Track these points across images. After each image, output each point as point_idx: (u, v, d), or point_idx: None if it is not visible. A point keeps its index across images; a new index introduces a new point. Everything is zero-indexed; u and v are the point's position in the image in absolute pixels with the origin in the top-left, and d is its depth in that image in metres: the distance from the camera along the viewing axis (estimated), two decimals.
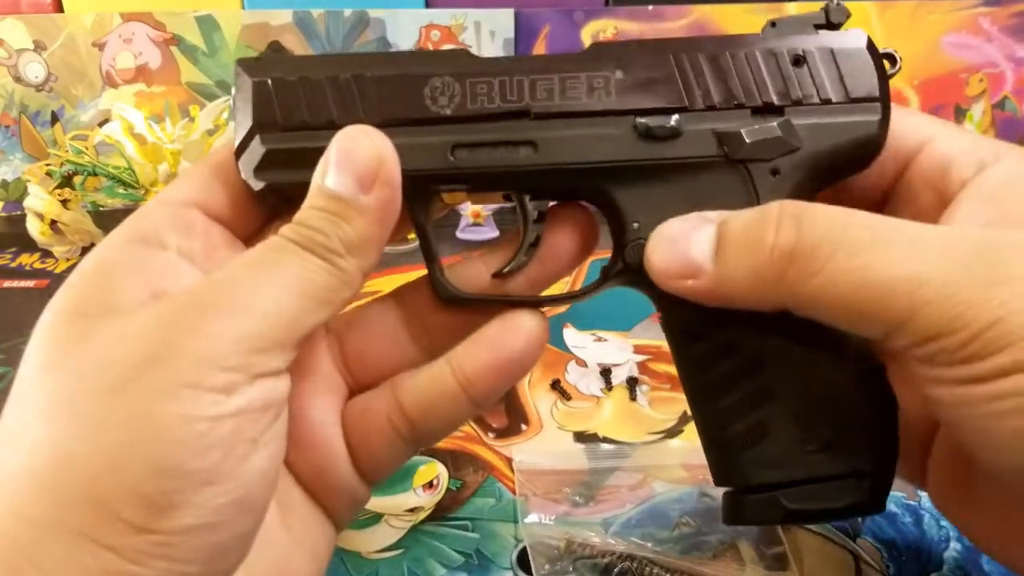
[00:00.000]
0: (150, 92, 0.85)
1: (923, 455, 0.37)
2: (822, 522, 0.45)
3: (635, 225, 0.35)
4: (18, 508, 0.26)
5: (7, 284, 0.74)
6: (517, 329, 0.35)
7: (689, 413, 0.56)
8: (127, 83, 0.85)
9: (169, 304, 0.29)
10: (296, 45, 0.84)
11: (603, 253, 0.37)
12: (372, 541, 0.46)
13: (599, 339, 0.65)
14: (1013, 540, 0.34)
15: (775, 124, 0.34)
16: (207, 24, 0.84)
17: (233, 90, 0.34)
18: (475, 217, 0.83)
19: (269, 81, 0.34)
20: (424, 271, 0.37)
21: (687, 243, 0.32)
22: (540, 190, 0.36)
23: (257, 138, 0.34)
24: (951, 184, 0.33)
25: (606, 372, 0.61)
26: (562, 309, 0.67)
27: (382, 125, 0.33)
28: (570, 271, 0.38)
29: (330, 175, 0.31)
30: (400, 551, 0.45)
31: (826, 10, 0.35)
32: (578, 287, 0.65)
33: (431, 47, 0.84)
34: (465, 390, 0.35)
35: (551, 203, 0.37)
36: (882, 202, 0.37)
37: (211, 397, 0.27)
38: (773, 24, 0.35)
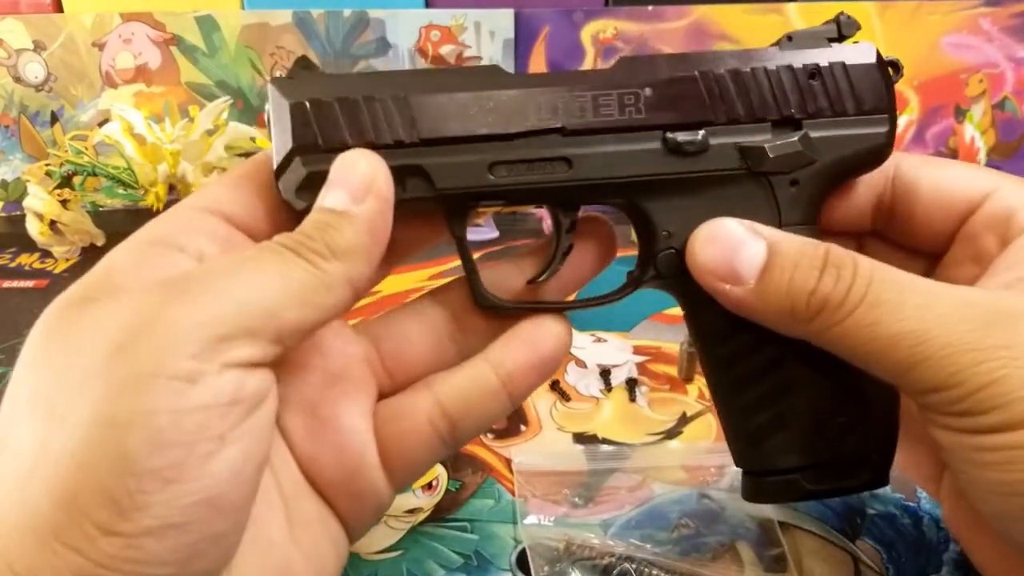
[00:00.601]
0: (150, 92, 0.85)
1: (940, 468, 0.39)
2: (835, 497, 0.47)
3: (665, 233, 0.37)
4: (3, 511, 0.26)
5: (6, 284, 0.74)
6: (548, 331, 0.37)
7: (689, 414, 0.56)
8: (127, 83, 0.85)
9: (141, 293, 0.28)
10: (296, 45, 0.84)
11: None
12: (371, 542, 0.46)
13: (599, 340, 0.65)
14: (1011, 573, 0.35)
15: (796, 139, 0.36)
16: (207, 24, 0.84)
17: (268, 108, 0.34)
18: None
19: (307, 103, 0.34)
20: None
21: (737, 252, 0.34)
22: (574, 203, 0.37)
23: (298, 159, 0.34)
24: (1013, 231, 0.35)
25: (605, 373, 0.61)
26: None
27: (421, 144, 0.34)
28: (594, 277, 0.40)
29: (327, 194, 0.32)
30: (399, 552, 0.45)
31: (838, 23, 0.37)
32: None
33: (431, 47, 0.84)
34: (506, 387, 0.36)
35: (581, 212, 0.38)
36: (944, 248, 0.38)
37: (174, 386, 0.26)
38: (790, 38, 0.37)
